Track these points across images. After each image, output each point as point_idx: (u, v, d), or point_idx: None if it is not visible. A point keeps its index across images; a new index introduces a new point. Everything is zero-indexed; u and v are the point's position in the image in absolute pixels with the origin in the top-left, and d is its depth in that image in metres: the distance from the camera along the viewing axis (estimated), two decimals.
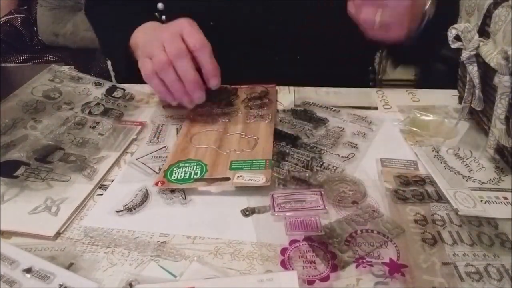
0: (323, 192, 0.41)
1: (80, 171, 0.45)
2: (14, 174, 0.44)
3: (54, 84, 0.59)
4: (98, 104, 0.57)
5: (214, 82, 0.51)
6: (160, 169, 0.45)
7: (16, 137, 0.49)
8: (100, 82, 0.61)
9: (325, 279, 0.33)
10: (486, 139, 0.46)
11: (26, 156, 0.46)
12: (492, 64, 0.40)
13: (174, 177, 0.43)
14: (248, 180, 0.42)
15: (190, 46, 0.48)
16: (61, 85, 0.59)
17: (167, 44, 0.48)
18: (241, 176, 0.42)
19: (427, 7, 0.53)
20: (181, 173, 0.43)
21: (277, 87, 0.62)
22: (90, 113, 0.55)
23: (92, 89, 0.60)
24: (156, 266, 0.34)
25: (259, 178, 0.42)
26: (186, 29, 0.49)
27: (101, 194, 0.43)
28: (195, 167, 0.44)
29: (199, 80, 0.50)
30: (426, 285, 0.32)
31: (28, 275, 0.32)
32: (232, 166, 0.44)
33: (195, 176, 0.43)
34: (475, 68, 0.45)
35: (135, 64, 0.53)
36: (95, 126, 0.53)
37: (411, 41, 0.54)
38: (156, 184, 0.42)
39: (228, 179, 0.42)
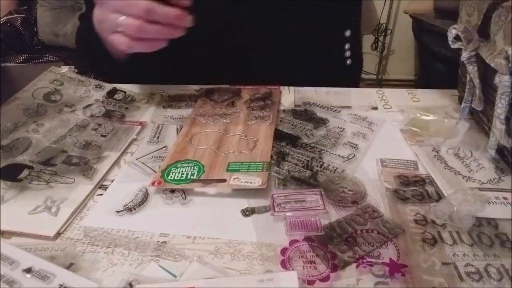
0: (323, 192, 0.41)
1: (82, 172, 0.45)
2: (18, 178, 0.44)
3: (54, 86, 0.59)
4: (99, 106, 0.57)
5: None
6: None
7: (18, 141, 0.49)
8: (101, 85, 0.61)
9: (325, 279, 0.33)
10: (486, 139, 0.46)
11: (29, 159, 0.46)
12: (492, 64, 0.40)
13: (171, 177, 0.43)
14: (244, 182, 0.42)
15: None
16: (61, 87, 0.59)
17: (125, 9, 0.46)
18: (237, 178, 0.42)
19: None
20: (178, 173, 0.43)
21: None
22: (91, 115, 0.55)
23: (93, 92, 0.60)
24: (156, 266, 0.34)
25: (255, 181, 0.42)
26: None
27: (101, 194, 0.43)
28: (192, 167, 0.44)
29: (178, 11, 0.47)
30: (426, 285, 0.32)
31: (28, 275, 0.32)
32: (229, 168, 0.44)
33: (192, 177, 0.43)
34: (475, 68, 0.45)
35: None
36: (97, 128, 0.53)
37: None
38: (153, 184, 0.42)
39: (224, 180, 0.42)
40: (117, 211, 0.40)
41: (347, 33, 0.69)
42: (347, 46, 0.70)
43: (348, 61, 0.71)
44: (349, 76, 0.74)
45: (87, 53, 0.68)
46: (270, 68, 0.65)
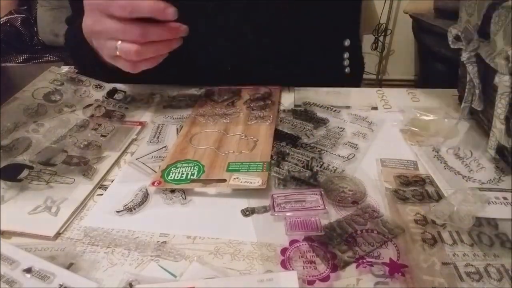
0: (323, 192, 0.41)
1: (82, 172, 0.45)
2: (18, 178, 0.44)
3: (54, 86, 0.59)
4: (99, 106, 0.57)
5: (170, 11, 0.47)
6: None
7: (18, 141, 0.49)
8: (101, 84, 0.61)
9: (325, 279, 0.33)
10: (486, 139, 0.46)
11: (29, 159, 0.46)
12: (492, 64, 0.40)
13: (171, 177, 0.43)
14: (244, 182, 0.42)
15: (121, 16, 0.46)
16: (61, 87, 0.59)
17: (120, 35, 0.47)
18: (237, 178, 0.42)
19: None
20: (178, 174, 0.43)
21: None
22: (91, 115, 0.55)
23: (93, 92, 0.60)
24: (156, 266, 0.34)
25: (255, 181, 0.42)
26: (101, 5, 0.46)
27: (101, 194, 0.43)
28: (192, 167, 0.44)
29: (170, 24, 0.48)
30: (426, 285, 0.32)
31: (28, 275, 0.32)
32: (229, 168, 0.44)
33: (192, 177, 0.43)
34: (475, 68, 0.45)
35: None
36: (97, 128, 0.53)
37: None
38: (153, 184, 0.42)
39: (224, 180, 0.42)
40: (117, 211, 0.40)
41: (346, 42, 0.68)
42: (346, 55, 0.70)
43: (347, 70, 0.71)
44: (349, 83, 0.74)
45: (76, 59, 0.69)
46: (270, 68, 0.65)
